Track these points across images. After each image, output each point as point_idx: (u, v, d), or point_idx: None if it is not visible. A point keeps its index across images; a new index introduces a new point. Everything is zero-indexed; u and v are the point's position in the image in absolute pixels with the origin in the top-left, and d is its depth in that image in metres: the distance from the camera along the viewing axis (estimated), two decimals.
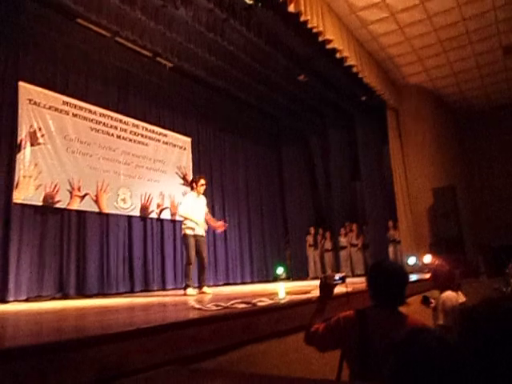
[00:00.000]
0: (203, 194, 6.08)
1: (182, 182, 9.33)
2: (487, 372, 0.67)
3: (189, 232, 5.74)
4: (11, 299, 5.97)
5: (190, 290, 5.54)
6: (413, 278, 6.48)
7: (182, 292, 5.74)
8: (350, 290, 2.48)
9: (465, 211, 10.40)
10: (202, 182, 6.04)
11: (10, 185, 6.34)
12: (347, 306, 2.27)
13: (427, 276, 7.44)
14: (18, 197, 6.40)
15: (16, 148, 6.50)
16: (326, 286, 2.21)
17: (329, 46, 7.23)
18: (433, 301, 3.47)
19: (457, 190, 9.64)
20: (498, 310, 0.72)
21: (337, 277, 2.23)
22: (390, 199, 10.30)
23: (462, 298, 3.35)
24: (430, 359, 0.78)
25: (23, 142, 6.62)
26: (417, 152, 10.12)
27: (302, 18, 6.39)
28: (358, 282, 4.29)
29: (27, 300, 6.15)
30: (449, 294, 3.29)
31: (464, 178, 11.68)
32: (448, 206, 9.23)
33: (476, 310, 0.76)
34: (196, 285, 5.81)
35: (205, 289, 5.73)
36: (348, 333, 1.91)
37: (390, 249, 10.19)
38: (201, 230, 5.86)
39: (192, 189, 6.12)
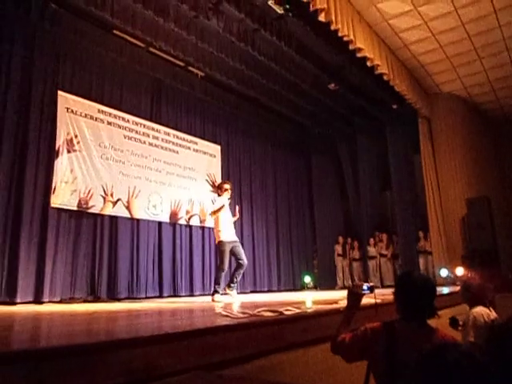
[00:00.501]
0: (229, 199, 6.05)
1: (211, 189, 9.44)
2: None
3: (224, 239, 5.72)
4: (46, 300, 6.17)
5: (217, 297, 5.53)
6: (444, 290, 6.31)
7: (209, 298, 5.78)
8: (378, 300, 2.44)
9: (500, 223, 10.05)
10: (226, 186, 6.01)
11: (47, 190, 6.58)
12: (375, 317, 2.24)
13: (459, 289, 7.23)
14: (55, 201, 6.63)
15: (54, 154, 6.76)
16: (354, 296, 2.19)
17: (360, 55, 7.20)
18: (461, 323, 3.29)
19: (491, 201, 9.34)
20: None
21: (365, 286, 2.20)
22: (421, 209, 10.10)
23: (493, 315, 3.18)
24: (457, 375, 0.77)
25: (61, 149, 6.87)
26: (449, 161, 9.88)
27: (333, 27, 6.39)
28: (387, 294, 4.21)
29: (61, 301, 6.34)
30: (480, 310, 3.15)
31: (499, 188, 11.30)
32: (482, 217, 8.96)
33: (505, 327, 0.75)
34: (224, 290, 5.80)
35: (233, 292, 5.71)
36: (375, 344, 1.89)
37: (421, 260, 9.97)
38: (234, 236, 5.87)
39: (219, 195, 6.13)
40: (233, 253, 5.74)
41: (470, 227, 9.18)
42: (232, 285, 5.74)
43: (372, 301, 2.40)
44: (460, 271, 8.50)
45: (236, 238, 5.89)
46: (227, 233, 5.74)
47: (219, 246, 5.77)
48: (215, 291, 5.60)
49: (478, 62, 8.85)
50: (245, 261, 5.81)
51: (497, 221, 9.54)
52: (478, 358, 0.79)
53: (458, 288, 7.30)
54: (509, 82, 9.71)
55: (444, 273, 9.05)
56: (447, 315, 3.69)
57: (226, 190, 5.98)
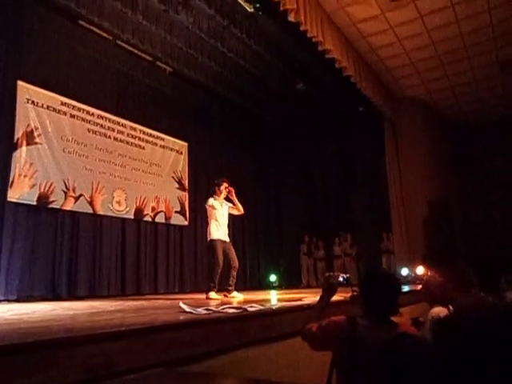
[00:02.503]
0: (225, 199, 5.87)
1: (177, 186, 9.32)
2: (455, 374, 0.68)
3: (215, 237, 5.60)
4: (1, 298, 5.92)
5: (212, 294, 5.39)
6: (405, 289, 6.48)
7: (172, 296, 5.70)
8: (355, 292, 2.43)
9: (458, 224, 10.44)
10: (226, 184, 5.83)
11: (4, 183, 6.31)
12: (352, 308, 2.24)
13: (419, 287, 7.45)
14: (13, 195, 6.37)
15: (12, 146, 6.49)
16: (329, 286, 2.20)
17: (328, 56, 7.28)
18: (422, 320, 3.33)
19: (451, 203, 9.68)
20: (468, 318, 0.73)
21: (341, 278, 2.21)
22: (384, 210, 10.33)
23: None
24: (412, 361, 0.79)
25: (20, 141, 6.61)
26: (412, 163, 10.16)
27: (302, 28, 6.44)
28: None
29: (18, 300, 6.10)
30: (438, 310, 3.18)
31: (458, 191, 11.74)
32: (442, 217, 9.27)
33: (449, 320, 0.77)
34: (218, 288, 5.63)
35: (234, 293, 5.57)
36: (337, 337, 1.91)
37: (384, 259, 10.22)
38: (227, 237, 5.76)
39: (214, 193, 5.87)
40: (225, 254, 5.62)
41: (430, 228, 9.48)
42: (229, 288, 5.57)
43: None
44: (420, 270, 8.76)
45: (227, 239, 5.76)
46: (219, 232, 5.65)
47: (210, 245, 5.66)
48: (210, 289, 5.46)
49: (441, 68, 9.15)
50: (236, 263, 5.68)
51: (455, 221, 9.90)
52: (427, 345, 0.80)
53: (418, 287, 7.51)
54: (469, 89, 10.10)
55: (405, 272, 9.29)
56: (407, 313, 3.79)
57: (226, 188, 5.81)
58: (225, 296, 5.49)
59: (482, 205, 11.79)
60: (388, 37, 8.05)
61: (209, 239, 5.67)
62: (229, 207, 5.89)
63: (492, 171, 11.74)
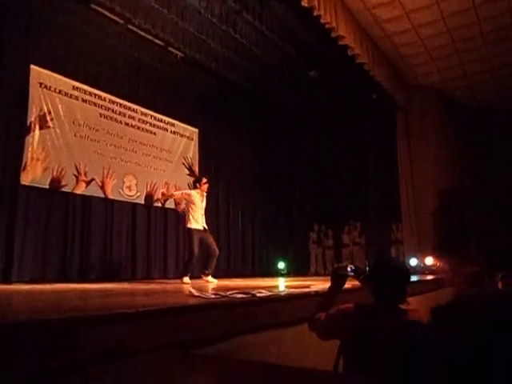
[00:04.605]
0: (206, 192, 6.39)
1: (187, 172, 9.35)
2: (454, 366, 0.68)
3: (193, 226, 6.01)
4: (14, 279, 6.04)
5: (186, 279, 5.77)
6: (413, 278, 6.48)
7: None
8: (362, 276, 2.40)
9: (469, 214, 10.35)
10: (205, 180, 6.39)
11: (17, 167, 6.38)
12: (363, 297, 2.25)
13: (429, 277, 7.44)
14: (26, 179, 6.45)
15: (25, 130, 6.55)
16: (338, 277, 2.21)
17: (341, 43, 7.19)
18: None
19: (462, 193, 9.59)
20: (467, 304, 0.73)
21: (349, 268, 2.21)
22: (394, 199, 10.27)
23: None
24: (418, 349, 0.79)
25: (32, 125, 6.66)
26: (424, 153, 10.06)
27: (315, 13, 6.35)
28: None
29: (30, 281, 6.21)
30: None
31: (470, 181, 11.60)
32: (453, 208, 9.20)
33: (446, 307, 0.77)
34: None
35: (209, 278, 5.95)
36: (346, 325, 1.92)
37: (393, 249, 10.19)
38: (203, 225, 6.17)
39: (195, 188, 6.39)
40: (203, 243, 6.06)
41: (441, 218, 9.42)
42: (207, 271, 6.03)
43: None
44: (430, 261, 8.73)
45: (204, 228, 6.17)
46: (195, 222, 6.06)
47: (187, 233, 6.16)
48: (184, 274, 5.89)
49: (456, 56, 8.99)
50: (216, 250, 6.14)
51: (467, 213, 9.82)
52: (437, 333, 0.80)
53: (427, 277, 7.51)
54: (484, 77, 9.91)
55: (414, 262, 9.27)
56: (414, 302, 3.79)
57: (205, 183, 6.35)
58: (200, 277, 6.06)
59: (495, 195, 11.64)
60: (403, 23, 7.91)
61: (186, 228, 6.16)
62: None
63: (506, 161, 11.57)
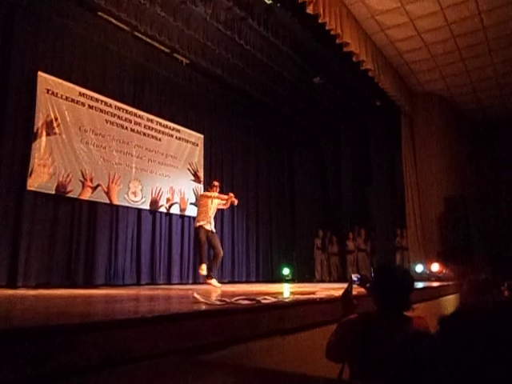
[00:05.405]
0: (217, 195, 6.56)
1: (192, 178, 9.38)
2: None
3: (201, 224, 6.20)
4: (20, 285, 6.06)
5: (214, 281, 5.95)
6: (419, 285, 6.43)
7: (187, 287, 5.86)
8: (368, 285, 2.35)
9: (475, 221, 10.29)
10: (215, 183, 6.60)
11: (24, 172, 6.43)
12: (366, 304, 2.20)
13: (434, 284, 7.39)
14: (32, 184, 6.49)
15: (32, 136, 6.60)
16: (347, 301, 2.19)
17: (346, 49, 7.22)
18: None
19: (467, 200, 9.54)
20: (472, 313, 0.73)
21: (355, 278, 2.18)
22: (399, 206, 10.24)
23: None
24: (427, 361, 0.78)
25: (39, 131, 6.71)
26: (429, 160, 10.03)
27: (321, 20, 6.39)
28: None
29: (36, 286, 6.23)
30: None
31: (475, 188, 11.55)
32: (458, 215, 9.16)
33: (451, 317, 0.76)
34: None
35: (213, 281, 6.00)
36: (351, 334, 1.91)
37: (397, 256, 10.14)
38: (211, 227, 6.31)
39: (207, 191, 6.68)
40: (209, 242, 6.19)
41: (446, 224, 9.37)
42: (211, 274, 6.03)
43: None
44: (435, 267, 8.68)
45: (212, 229, 6.32)
46: (204, 222, 6.22)
47: (195, 232, 6.37)
48: (209, 276, 6.03)
49: (461, 63, 8.98)
50: (220, 251, 6.23)
51: (472, 219, 9.76)
52: (444, 343, 0.79)
53: (433, 283, 7.45)
54: (489, 84, 9.89)
55: (419, 268, 9.22)
56: (420, 309, 3.77)
57: (215, 186, 6.56)
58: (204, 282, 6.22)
59: (500, 202, 11.58)
60: (407, 30, 7.92)
61: (195, 227, 6.42)
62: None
63: (511, 168, 11.51)
